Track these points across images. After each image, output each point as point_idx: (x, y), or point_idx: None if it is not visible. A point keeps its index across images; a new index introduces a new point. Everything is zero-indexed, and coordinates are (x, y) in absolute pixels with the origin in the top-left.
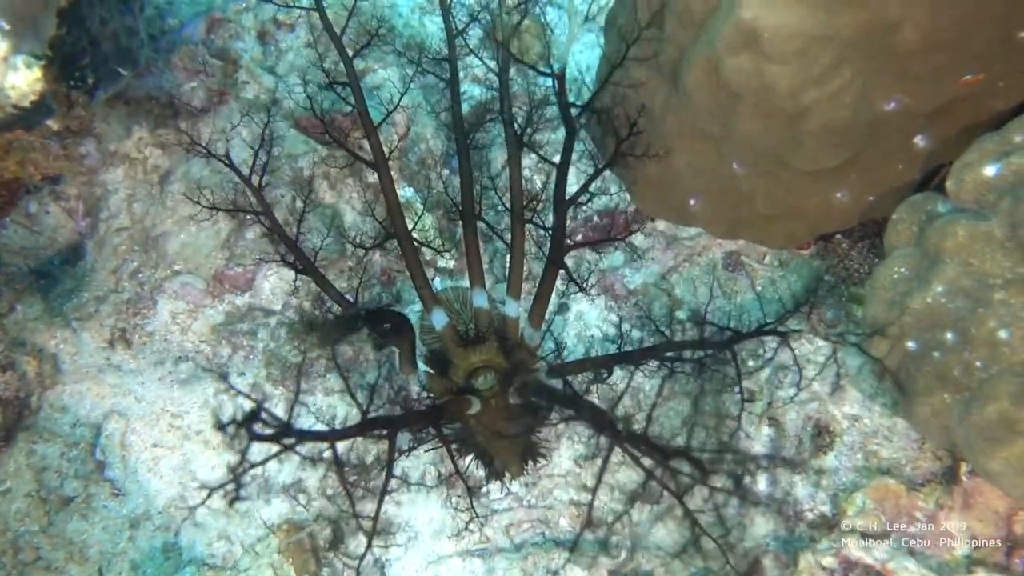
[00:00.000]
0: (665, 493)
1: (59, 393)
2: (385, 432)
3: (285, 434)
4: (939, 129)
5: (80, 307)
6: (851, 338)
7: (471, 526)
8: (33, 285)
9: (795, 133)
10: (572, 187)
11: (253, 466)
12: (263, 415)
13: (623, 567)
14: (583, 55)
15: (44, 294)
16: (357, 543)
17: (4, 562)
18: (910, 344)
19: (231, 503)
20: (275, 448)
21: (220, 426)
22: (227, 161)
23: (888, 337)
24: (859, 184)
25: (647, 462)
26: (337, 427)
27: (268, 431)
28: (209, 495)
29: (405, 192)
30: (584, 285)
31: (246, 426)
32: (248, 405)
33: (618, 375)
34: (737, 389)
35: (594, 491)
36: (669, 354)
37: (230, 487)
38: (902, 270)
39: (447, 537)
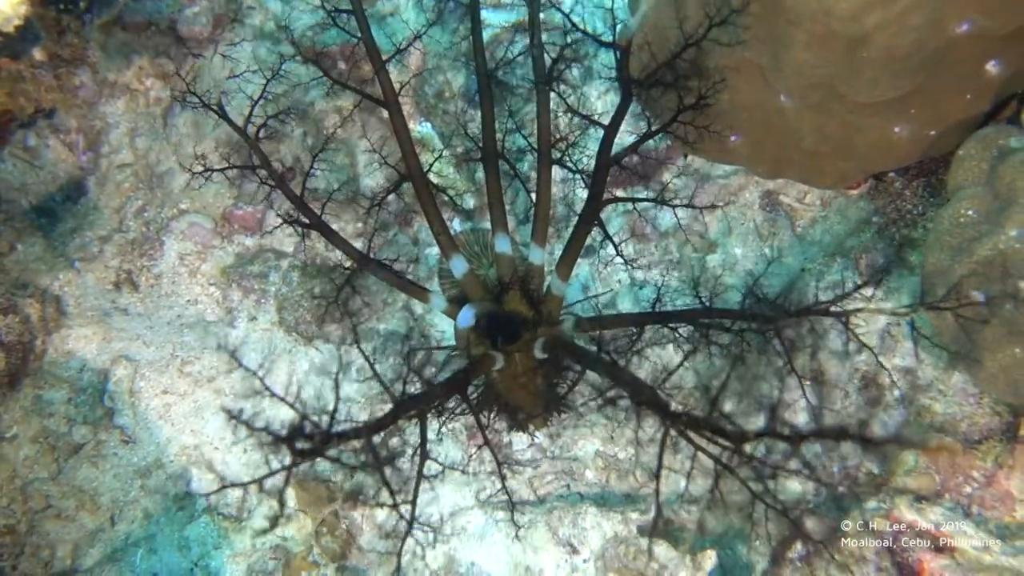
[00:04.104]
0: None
1: (64, 337)
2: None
3: (326, 443)
4: (1015, 54)
5: (83, 247)
6: (921, 312)
7: (494, 479)
8: (34, 224)
9: (853, 61)
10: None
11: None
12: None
13: (652, 521)
14: None
15: (45, 233)
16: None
17: (14, 509)
18: (977, 294)
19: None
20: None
21: (253, 429)
22: (221, 112)
23: (951, 286)
24: (921, 117)
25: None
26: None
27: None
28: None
29: (422, 128)
30: (617, 244)
31: (288, 444)
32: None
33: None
34: (784, 364)
35: (657, 482)
36: (706, 321)
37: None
38: (970, 212)
39: (468, 489)
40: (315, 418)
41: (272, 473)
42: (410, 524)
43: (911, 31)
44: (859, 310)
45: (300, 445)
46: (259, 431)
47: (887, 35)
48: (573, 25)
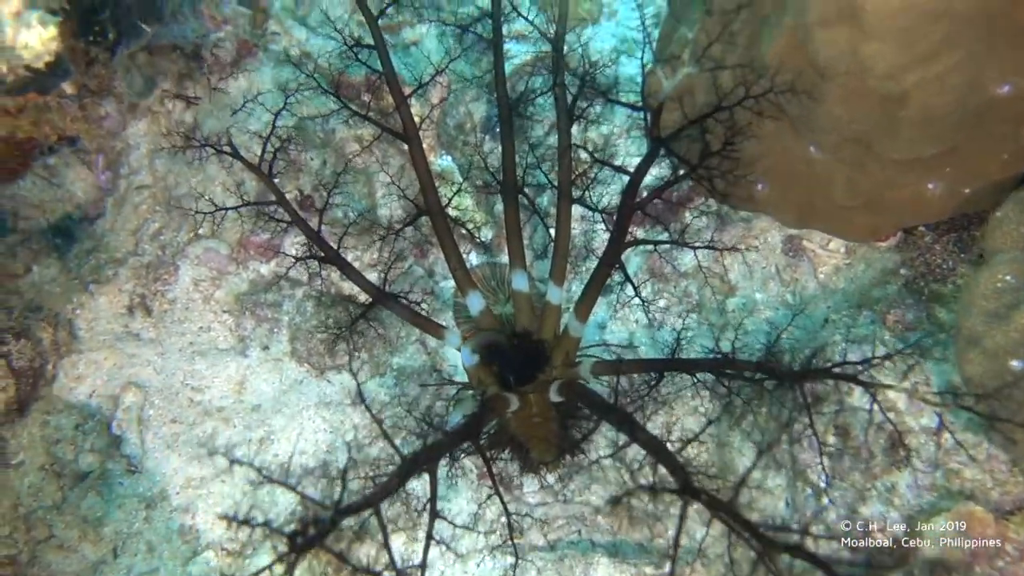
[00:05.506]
0: None
1: (75, 362)
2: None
3: (334, 525)
4: None
5: (98, 269)
6: (966, 400)
7: (503, 519)
8: (50, 244)
9: (890, 118)
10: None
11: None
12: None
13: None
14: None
15: (61, 255)
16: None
17: (16, 539)
18: (1015, 363)
19: None
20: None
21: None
22: (234, 153)
23: (986, 353)
24: (956, 175)
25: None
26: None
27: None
28: None
29: (442, 161)
30: (638, 288)
31: (293, 542)
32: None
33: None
34: (806, 426)
35: (672, 563)
36: (729, 371)
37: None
38: (1008, 278)
39: (477, 531)
40: (320, 483)
41: (277, 561)
42: None
43: (950, 91)
44: (889, 386)
45: (301, 541)
46: (260, 526)
47: (925, 95)
48: (607, 98)
